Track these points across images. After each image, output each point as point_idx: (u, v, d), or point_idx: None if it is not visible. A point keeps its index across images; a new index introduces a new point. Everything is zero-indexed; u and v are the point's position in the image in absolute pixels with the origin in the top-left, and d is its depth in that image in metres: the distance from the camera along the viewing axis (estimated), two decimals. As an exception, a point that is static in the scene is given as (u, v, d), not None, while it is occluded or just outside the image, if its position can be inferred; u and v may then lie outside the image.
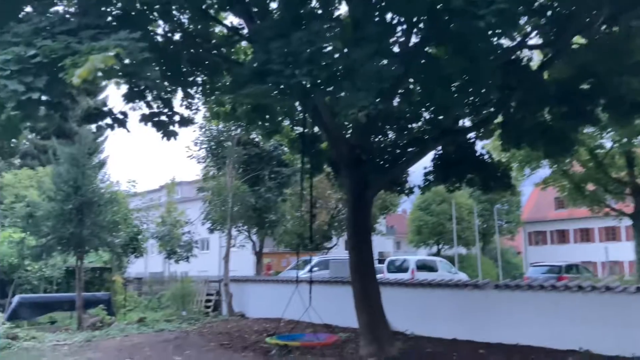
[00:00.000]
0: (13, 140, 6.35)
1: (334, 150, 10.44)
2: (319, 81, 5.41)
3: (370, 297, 9.99)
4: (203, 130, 18.04)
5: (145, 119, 8.65)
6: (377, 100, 5.56)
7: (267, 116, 11.66)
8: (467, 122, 11.50)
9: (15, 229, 18.52)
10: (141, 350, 11.49)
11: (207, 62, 9.95)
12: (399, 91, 8.54)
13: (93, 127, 33.81)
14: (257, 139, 18.16)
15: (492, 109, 10.11)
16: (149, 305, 17.74)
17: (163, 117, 8.78)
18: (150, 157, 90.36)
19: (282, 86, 5.53)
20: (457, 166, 11.56)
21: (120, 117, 8.02)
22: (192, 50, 9.33)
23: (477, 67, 6.58)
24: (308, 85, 5.50)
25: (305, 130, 10.48)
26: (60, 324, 15.86)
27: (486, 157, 11.97)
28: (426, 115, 11.19)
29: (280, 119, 12.31)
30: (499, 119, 10.80)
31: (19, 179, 22.26)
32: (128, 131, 8.23)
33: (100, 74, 4.50)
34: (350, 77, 5.58)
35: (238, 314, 16.19)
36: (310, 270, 17.33)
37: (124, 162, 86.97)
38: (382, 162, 11.39)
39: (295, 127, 13.12)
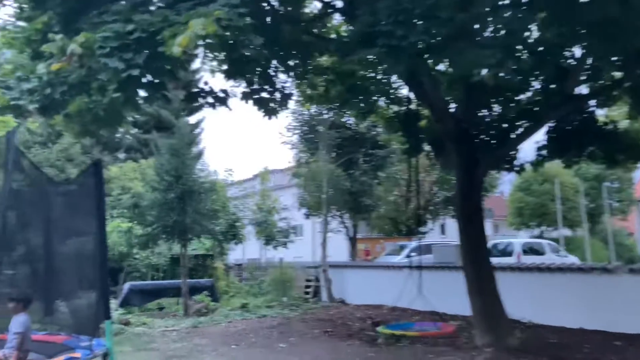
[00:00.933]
0: (117, 129, 6.24)
1: (440, 125, 9.69)
2: (435, 40, 4.78)
3: (485, 282, 9.21)
4: (295, 115, 17.88)
5: (246, 96, 8.42)
6: (505, 58, 4.83)
7: (362, 96, 11.10)
8: (584, 90, 10.29)
9: (122, 219, 19.39)
10: (246, 336, 11.44)
11: (299, 43, 9.55)
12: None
13: (190, 119, 34.72)
14: (350, 121, 17.69)
15: (620, 72, 8.86)
16: (250, 291, 17.90)
17: (264, 94, 8.52)
18: (243, 147, 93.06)
19: (392, 49, 4.94)
20: (576, 138, 10.40)
21: (222, 95, 7.83)
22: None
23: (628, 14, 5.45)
24: (423, 46, 4.88)
25: (406, 107, 9.80)
26: (167, 310, 16.35)
27: (610, 126, 10.65)
28: (536, 84, 10.11)
29: (375, 98, 11.70)
30: (628, 83, 9.48)
31: (124, 171, 23.34)
32: (229, 109, 8.07)
33: (201, 41, 4.20)
34: (471, 34, 4.91)
35: (338, 301, 15.90)
36: (408, 256, 16.71)
37: (219, 153, 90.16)
38: (490, 138, 10.48)
39: (391, 105, 12.44)
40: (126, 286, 15.71)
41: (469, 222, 9.41)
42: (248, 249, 33.32)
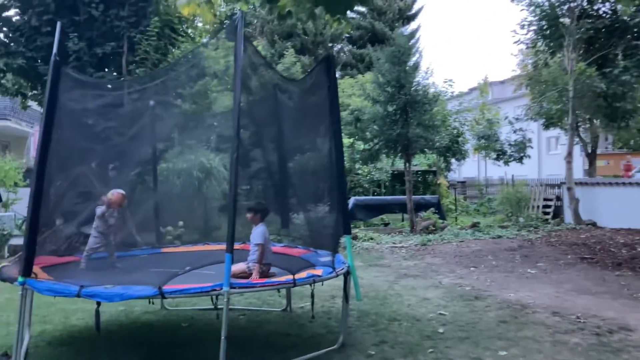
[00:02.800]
0: (344, 17, 5.21)
1: None
2: None
3: None
4: (531, 8, 15.14)
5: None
6: None
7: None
8: None
9: (343, 135, 19.26)
10: (484, 258, 10.27)
11: None
12: None
13: (405, 30, 33.19)
14: (603, 9, 14.39)
15: None
16: (479, 209, 16.50)
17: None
18: (458, 60, 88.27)
19: None
20: None
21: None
22: None
23: None
24: None
25: None
26: (392, 226, 15.95)
27: None
28: None
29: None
30: None
31: (341, 88, 23.18)
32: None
33: None
34: None
35: (587, 223, 13.64)
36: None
37: (435, 64, 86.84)
38: None
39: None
40: (351, 200, 15.57)
41: None
42: (464, 167, 31.55)
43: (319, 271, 4.80)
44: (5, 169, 14.30)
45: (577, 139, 19.22)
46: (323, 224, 5.83)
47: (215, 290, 4.05)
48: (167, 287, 3.99)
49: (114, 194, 5.84)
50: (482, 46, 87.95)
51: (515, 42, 16.19)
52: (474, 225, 13.93)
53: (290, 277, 4.44)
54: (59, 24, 4.96)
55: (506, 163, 17.06)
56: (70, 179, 6.17)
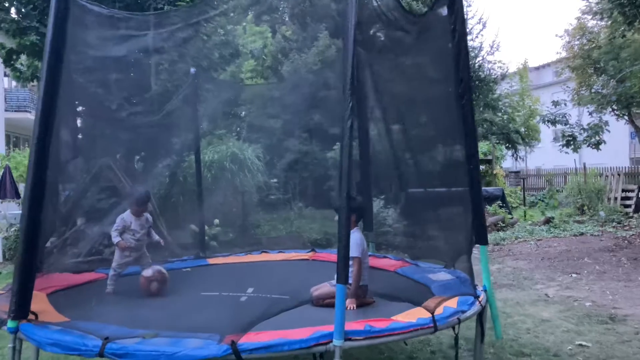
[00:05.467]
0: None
1: None
2: None
3: None
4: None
5: None
6: None
7: None
8: None
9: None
10: (580, 262, 8.60)
11: None
12: None
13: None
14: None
15: None
16: (547, 202, 14.68)
17: None
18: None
19: None
20: None
21: None
22: None
23: None
24: None
25: None
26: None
27: None
28: None
29: None
30: None
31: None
32: None
33: None
34: None
35: (682, 217, 11.79)
36: None
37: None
38: None
39: None
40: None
41: None
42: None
43: (451, 301, 3.21)
44: (25, 163, 13.06)
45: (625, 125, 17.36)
46: (439, 226, 4.22)
47: (320, 344, 2.48)
48: (243, 341, 2.44)
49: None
50: (518, 29, 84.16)
51: (585, 13, 14.28)
52: (548, 221, 12.18)
53: (426, 315, 2.85)
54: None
55: (575, 150, 15.18)
56: (89, 168, 4.68)
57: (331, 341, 2.47)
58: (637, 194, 13.22)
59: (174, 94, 8.27)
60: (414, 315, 2.90)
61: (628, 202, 13.40)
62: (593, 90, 16.59)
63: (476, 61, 12.19)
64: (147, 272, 4.05)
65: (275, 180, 15.28)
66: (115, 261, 4.16)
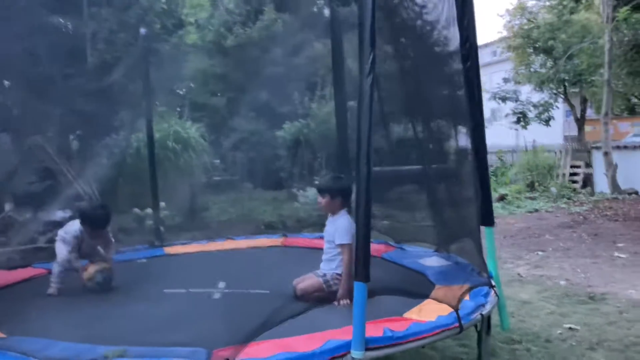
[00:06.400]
0: None
1: None
2: None
3: None
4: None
5: None
6: None
7: None
8: None
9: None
10: (542, 239, 8.56)
11: None
12: None
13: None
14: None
15: None
16: (497, 179, 14.74)
17: None
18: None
19: None
20: None
21: None
22: None
23: None
24: None
25: None
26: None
27: None
28: None
29: None
30: None
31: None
32: None
33: None
34: None
35: (628, 192, 12.05)
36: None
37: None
38: None
39: None
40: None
41: None
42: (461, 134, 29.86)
43: (462, 289, 2.79)
44: None
45: (560, 104, 17.76)
46: (431, 205, 3.79)
47: (336, 357, 1.99)
48: (240, 358, 1.91)
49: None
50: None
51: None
52: (502, 198, 12.18)
53: (445, 312, 2.42)
54: None
55: (525, 127, 15.28)
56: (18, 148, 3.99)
57: (349, 352, 1.99)
58: (584, 171, 13.47)
59: (113, 67, 7.51)
60: (430, 312, 2.47)
61: (575, 178, 13.63)
62: (532, 70, 16.82)
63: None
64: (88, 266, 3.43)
65: (219, 161, 14.62)
66: (60, 254, 3.47)
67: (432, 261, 3.66)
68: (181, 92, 16.33)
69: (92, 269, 3.41)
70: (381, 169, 4.61)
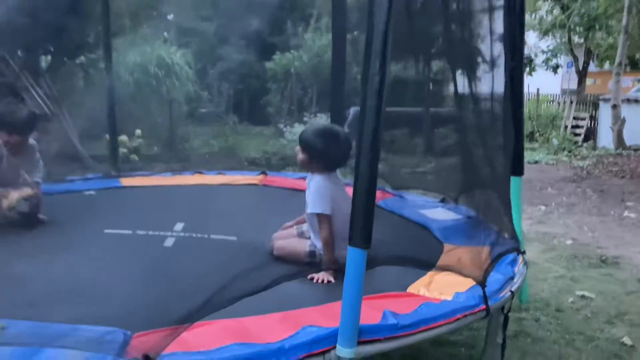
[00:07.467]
0: None
1: None
2: None
3: None
4: None
5: None
6: None
7: None
8: None
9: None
10: (543, 192, 8.03)
11: None
12: None
13: None
14: None
15: None
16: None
17: None
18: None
19: None
20: None
21: None
22: None
23: None
24: None
25: None
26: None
27: None
28: None
29: None
30: None
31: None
32: None
33: None
34: None
35: (633, 148, 11.47)
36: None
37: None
38: None
39: None
40: (351, 110, 12.78)
41: None
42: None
43: (485, 254, 2.14)
44: None
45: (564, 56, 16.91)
46: (442, 145, 3.10)
47: (314, 354, 1.32)
48: (171, 351, 1.25)
49: None
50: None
51: None
52: (501, 147, 11.53)
53: (464, 287, 1.76)
54: None
55: (530, 73, 14.46)
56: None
57: (333, 348, 1.35)
58: (588, 123, 12.81)
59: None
60: (444, 285, 1.81)
61: (578, 131, 13.00)
62: (539, 17, 15.99)
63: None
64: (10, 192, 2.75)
65: (206, 92, 13.84)
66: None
67: (438, 213, 3.02)
68: (169, 17, 15.36)
69: (14, 195, 2.74)
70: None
